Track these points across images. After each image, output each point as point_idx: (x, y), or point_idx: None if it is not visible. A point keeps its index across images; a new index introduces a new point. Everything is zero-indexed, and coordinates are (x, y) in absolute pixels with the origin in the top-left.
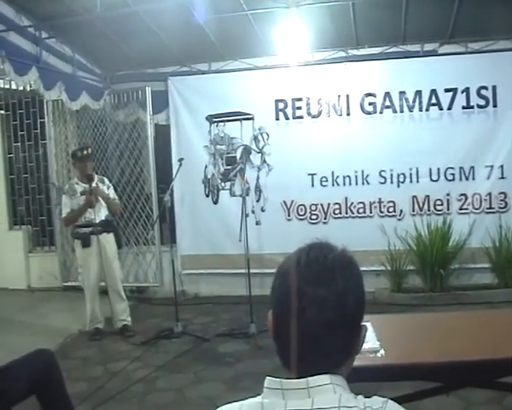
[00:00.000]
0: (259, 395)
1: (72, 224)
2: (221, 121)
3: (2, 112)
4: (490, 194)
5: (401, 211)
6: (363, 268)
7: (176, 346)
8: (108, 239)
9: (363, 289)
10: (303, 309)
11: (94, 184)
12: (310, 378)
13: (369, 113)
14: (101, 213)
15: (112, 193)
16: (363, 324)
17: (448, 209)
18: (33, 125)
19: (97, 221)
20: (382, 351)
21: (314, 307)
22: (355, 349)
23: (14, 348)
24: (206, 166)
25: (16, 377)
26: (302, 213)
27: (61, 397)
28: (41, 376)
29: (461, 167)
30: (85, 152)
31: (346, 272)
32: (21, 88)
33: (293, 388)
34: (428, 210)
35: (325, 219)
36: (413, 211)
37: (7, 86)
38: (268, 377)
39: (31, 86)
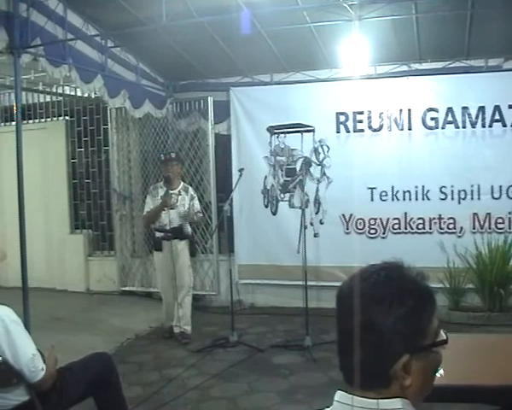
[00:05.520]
0: (328, 407)
1: (149, 222)
2: (282, 133)
3: (67, 118)
4: None
5: (461, 228)
6: None
7: (231, 355)
8: (179, 246)
9: (401, 324)
10: (337, 322)
11: (176, 192)
12: (381, 401)
13: (430, 128)
14: (174, 220)
15: (197, 206)
16: (407, 355)
17: (510, 228)
18: (96, 132)
19: (169, 228)
20: (441, 371)
21: (342, 323)
22: (393, 374)
23: (72, 350)
24: (265, 177)
25: (75, 379)
26: (361, 226)
27: (117, 400)
28: (99, 378)
29: None
30: (167, 156)
31: (386, 299)
32: (86, 95)
33: (363, 406)
34: (489, 228)
35: (384, 233)
36: (473, 228)
37: (72, 93)
38: (339, 391)
39: (95, 94)
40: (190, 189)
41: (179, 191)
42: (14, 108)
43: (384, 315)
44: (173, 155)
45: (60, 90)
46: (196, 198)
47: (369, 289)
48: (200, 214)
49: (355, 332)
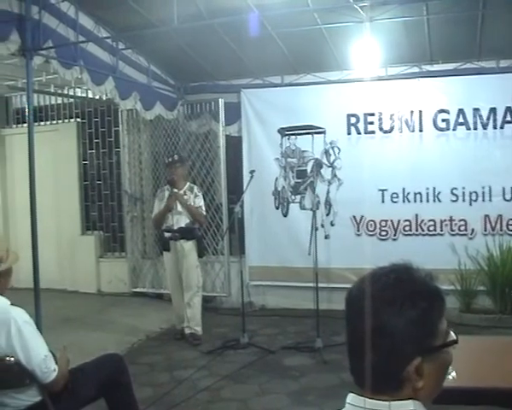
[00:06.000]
0: (339, 409)
1: (158, 224)
2: (293, 134)
3: (79, 120)
4: None
5: (473, 230)
6: None
7: (241, 357)
8: (186, 246)
9: (412, 326)
10: (347, 325)
11: (181, 191)
12: (393, 403)
13: (441, 129)
14: (180, 221)
15: (198, 202)
16: (418, 358)
17: None
18: (108, 134)
19: (176, 228)
20: (454, 373)
21: (352, 326)
22: (405, 377)
23: (83, 350)
24: (276, 179)
25: (86, 379)
26: (372, 228)
27: (128, 401)
28: (110, 379)
29: None
30: (170, 159)
31: (397, 301)
32: (97, 97)
33: (375, 409)
34: (501, 230)
35: (395, 235)
36: (485, 230)
37: (83, 95)
38: (351, 394)
39: (106, 95)
40: (195, 188)
41: (184, 192)
42: (26, 109)
43: (395, 318)
44: (176, 158)
45: (71, 92)
46: (200, 196)
47: (380, 291)
48: (201, 210)
49: (366, 335)
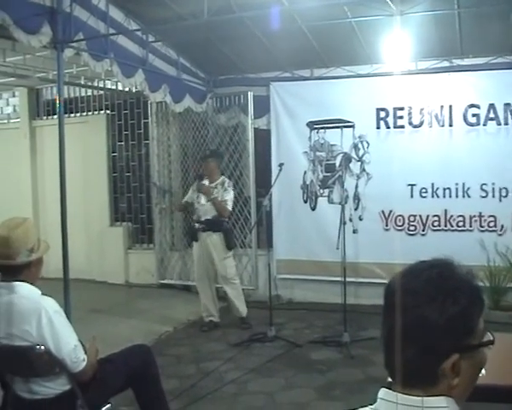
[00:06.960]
0: (371, 405)
1: (180, 209)
2: (321, 128)
3: (108, 112)
4: None
5: (502, 226)
6: None
7: (268, 350)
8: (213, 238)
9: (453, 323)
10: (385, 318)
11: (213, 185)
12: (425, 398)
13: (472, 124)
14: (208, 213)
15: (225, 196)
16: (456, 354)
17: None
18: (137, 126)
19: (203, 219)
20: (483, 371)
21: (390, 320)
22: (441, 373)
23: (111, 341)
24: (305, 173)
25: (115, 370)
26: (400, 223)
27: (156, 392)
28: (138, 370)
29: None
30: (203, 154)
31: (439, 297)
32: (127, 89)
33: (407, 404)
34: None
35: (423, 230)
36: None
37: (113, 87)
38: (383, 389)
39: (136, 88)
40: (226, 182)
41: (216, 185)
42: (57, 101)
43: (437, 313)
44: (207, 153)
45: (101, 85)
46: (228, 191)
47: (422, 286)
48: (227, 206)
49: (406, 330)
